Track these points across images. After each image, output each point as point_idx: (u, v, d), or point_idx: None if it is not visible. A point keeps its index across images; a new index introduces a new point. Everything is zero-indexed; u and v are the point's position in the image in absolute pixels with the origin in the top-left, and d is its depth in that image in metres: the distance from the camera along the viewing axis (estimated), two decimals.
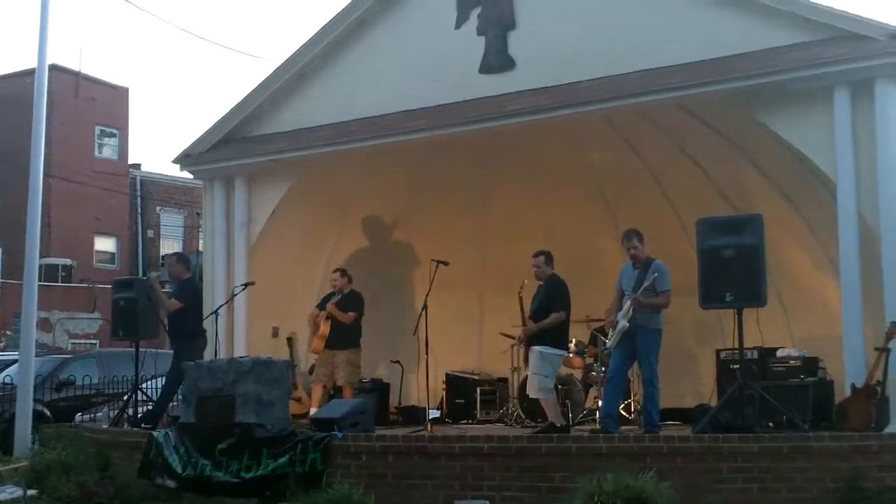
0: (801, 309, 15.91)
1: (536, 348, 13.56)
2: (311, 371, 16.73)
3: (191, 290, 15.86)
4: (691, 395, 15.95)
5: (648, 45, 13.63)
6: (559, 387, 15.34)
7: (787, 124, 13.03)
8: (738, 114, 13.85)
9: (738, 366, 12.86)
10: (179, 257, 16.86)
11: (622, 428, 13.32)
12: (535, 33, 14.47)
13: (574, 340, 16.20)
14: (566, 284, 13.74)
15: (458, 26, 15.06)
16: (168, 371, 15.51)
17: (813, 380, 13.53)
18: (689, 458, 11.06)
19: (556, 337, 13.68)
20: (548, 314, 13.59)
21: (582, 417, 15.67)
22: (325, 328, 15.80)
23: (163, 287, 16.92)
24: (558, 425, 13.33)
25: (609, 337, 13.39)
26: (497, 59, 14.72)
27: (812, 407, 13.01)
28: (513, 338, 16.15)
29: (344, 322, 15.80)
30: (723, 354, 14.57)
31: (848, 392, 12.13)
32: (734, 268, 11.94)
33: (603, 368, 14.73)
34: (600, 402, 14.13)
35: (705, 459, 11.02)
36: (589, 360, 16.24)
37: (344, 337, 15.86)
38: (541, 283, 13.88)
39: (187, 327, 15.42)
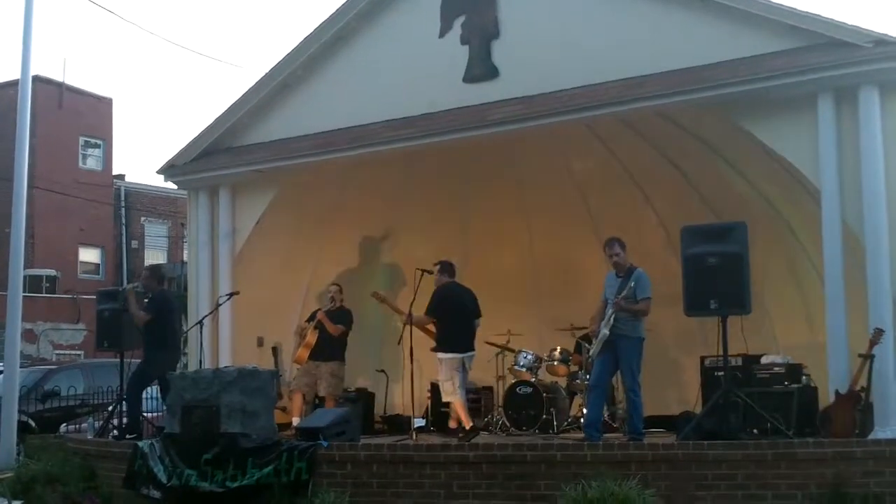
0: (785, 316, 15.92)
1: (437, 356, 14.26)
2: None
3: (159, 303, 15.47)
4: (676, 402, 15.93)
5: (630, 53, 13.62)
6: (544, 395, 15.37)
7: (771, 132, 13.01)
8: (721, 121, 13.84)
9: (722, 373, 12.83)
10: (151, 270, 16.63)
11: (606, 436, 13.33)
12: (518, 42, 14.46)
13: (558, 349, 16.23)
14: (445, 293, 14.34)
15: (441, 35, 15.02)
16: (130, 375, 15.37)
17: (797, 386, 13.51)
18: (673, 465, 11.09)
19: (444, 341, 14.25)
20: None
21: (567, 425, 15.66)
22: (311, 337, 15.78)
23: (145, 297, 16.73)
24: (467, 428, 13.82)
25: (592, 345, 13.41)
26: (481, 68, 14.68)
27: (796, 413, 13.01)
28: (498, 346, 16.18)
29: (331, 333, 15.80)
30: (707, 361, 14.52)
31: (832, 398, 12.14)
32: (718, 275, 11.94)
33: (587, 376, 14.72)
34: (584, 410, 14.13)
35: (690, 466, 11.04)
36: (574, 369, 16.23)
37: (329, 349, 15.87)
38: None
39: (152, 340, 15.20)
